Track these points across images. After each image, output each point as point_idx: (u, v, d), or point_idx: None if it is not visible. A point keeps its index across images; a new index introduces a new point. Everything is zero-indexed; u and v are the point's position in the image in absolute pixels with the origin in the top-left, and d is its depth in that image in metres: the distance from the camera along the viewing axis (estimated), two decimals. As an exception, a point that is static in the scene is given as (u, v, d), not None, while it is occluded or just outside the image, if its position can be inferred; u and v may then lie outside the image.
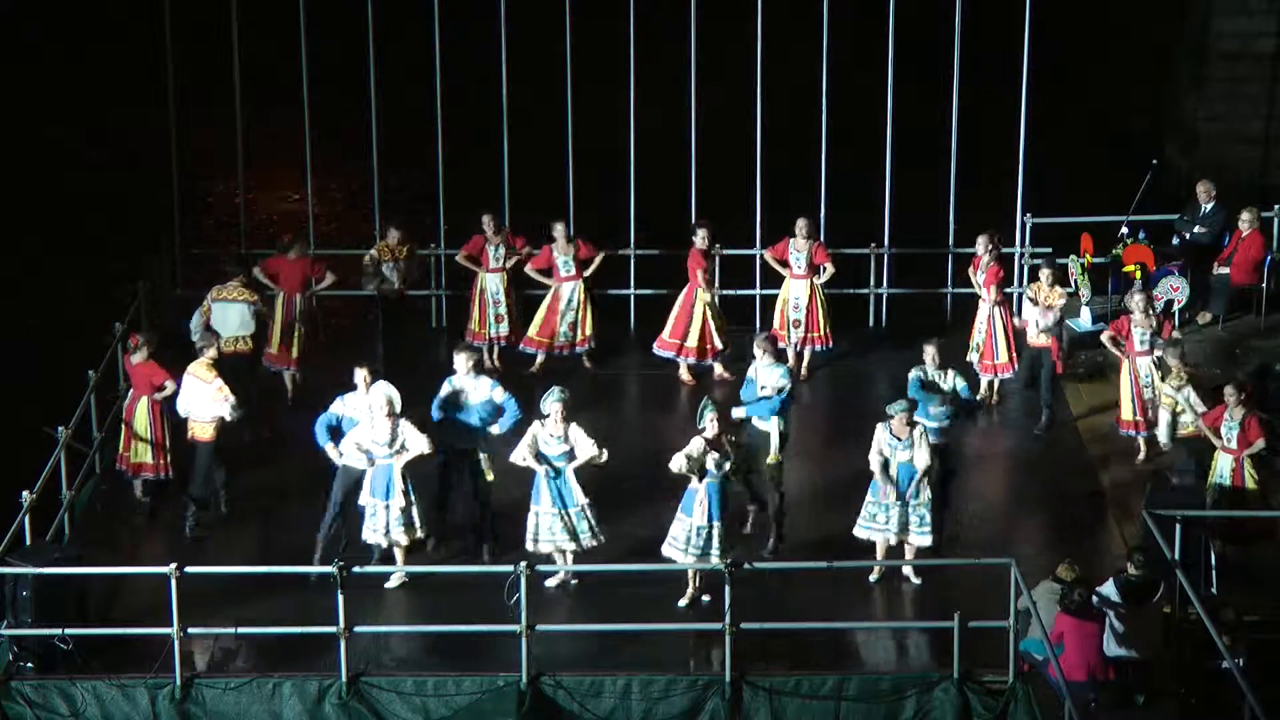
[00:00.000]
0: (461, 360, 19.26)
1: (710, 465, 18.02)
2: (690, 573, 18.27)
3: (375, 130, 24.30)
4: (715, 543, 18.04)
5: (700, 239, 22.53)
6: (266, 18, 25.46)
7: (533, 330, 23.07)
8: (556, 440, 18.39)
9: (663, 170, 24.46)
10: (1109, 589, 17.18)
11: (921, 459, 18.37)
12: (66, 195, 31.70)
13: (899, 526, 18.53)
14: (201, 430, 19.80)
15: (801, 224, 22.67)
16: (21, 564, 17.51)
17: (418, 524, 18.64)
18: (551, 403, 18.40)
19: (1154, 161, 24.15)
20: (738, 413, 19.36)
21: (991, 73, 25.45)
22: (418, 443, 18.50)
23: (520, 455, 18.42)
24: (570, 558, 18.55)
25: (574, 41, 23.83)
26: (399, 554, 18.73)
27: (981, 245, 22.18)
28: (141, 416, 20.12)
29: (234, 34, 24.15)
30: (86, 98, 35.02)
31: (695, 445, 18.05)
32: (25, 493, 18.20)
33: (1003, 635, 17.14)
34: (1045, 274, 21.67)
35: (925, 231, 24.37)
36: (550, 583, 18.55)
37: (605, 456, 18.49)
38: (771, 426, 19.16)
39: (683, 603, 18.33)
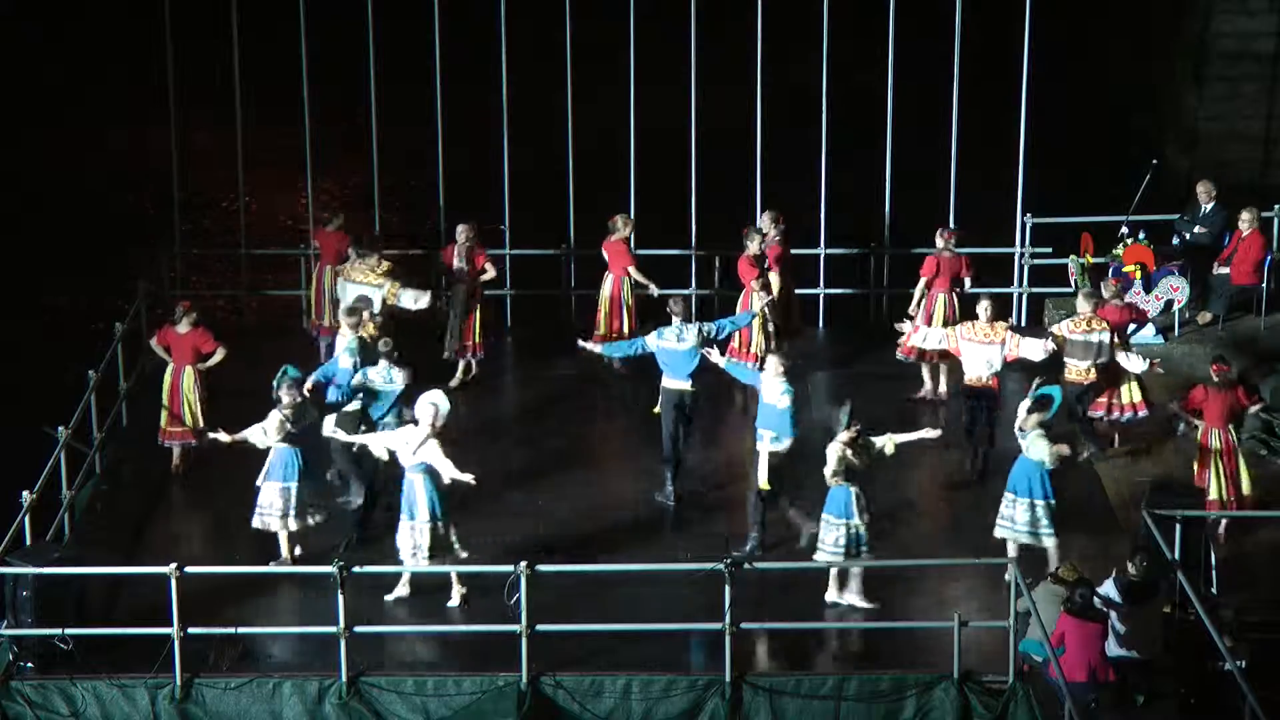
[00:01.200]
0: (342, 316, 20.20)
1: (856, 465, 17.99)
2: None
3: (375, 130, 24.32)
4: (864, 540, 18.03)
5: (756, 245, 22.22)
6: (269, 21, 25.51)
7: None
8: (408, 449, 18.22)
9: (664, 172, 24.50)
10: (1109, 589, 17.19)
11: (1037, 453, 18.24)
12: (67, 195, 31.74)
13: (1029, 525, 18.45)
14: None
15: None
16: (21, 564, 17.50)
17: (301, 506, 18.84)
18: (420, 407, 18.29)
19: (1154, 161, 24.15)
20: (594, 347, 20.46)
21: (992, 72, 25.48)
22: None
23: (372, 438, 18.51)
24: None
25: (575, 42, 23.87)
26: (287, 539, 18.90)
27: (940, 241, 22.31)
28: (189, 384, 20.53)
29: (234, 33, 24.14)
30: (86, 97, 35.05)
31: (838, 449, 17.94)
32: (25, 493, 18.21)
33: (1003, 635, 17.18)
34: (984, 306, 20.17)
35: (925, 231, 24.36)
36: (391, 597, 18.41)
37: (469, 478, 18.13)
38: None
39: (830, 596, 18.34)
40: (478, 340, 22.64)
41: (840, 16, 23.72)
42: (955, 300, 22.20)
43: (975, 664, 17.31)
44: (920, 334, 20.77)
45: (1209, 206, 23.47)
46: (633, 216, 23.80)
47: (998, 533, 18.54)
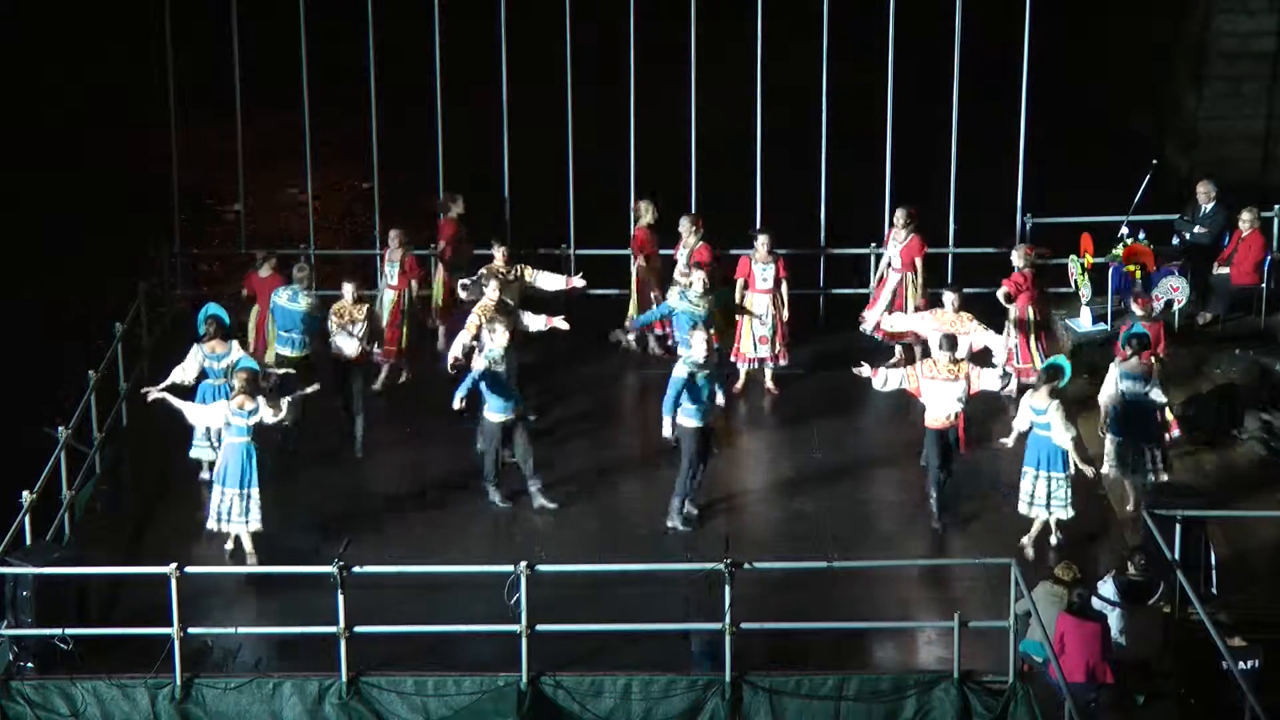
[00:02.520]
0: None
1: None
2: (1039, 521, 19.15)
3: (375, 130, 24.31)
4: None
5: (760, 245, 22.23)
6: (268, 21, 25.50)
7: None
8: (241, 413, 18.75)
9: (666, 172, 24.51)
10: (1108, 589, 17.19)
11: (1064, 437, 18.88)
12: (67, 195, 31.71)
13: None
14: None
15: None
16: (21, 564, 17.51)
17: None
18: (236, 373, 19.02)
19: (1154, 161, 24.15)
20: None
21: (992, 71, 25.47)
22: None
23: (208, 414, 19.08)
24: (247, 540, 18.89)
25: (575, 41, 23.87)
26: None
27: (901, 218, 22.62)
28: (271, 324, 21.39)
29: (234, 32, 24.13)
30: (87, 97, 35.03)
31: (1060, 406, 18.75)
32: (25, 493, 18.20)
33: (1003, 635, 17.18)
34: (950, 298, 20.11)
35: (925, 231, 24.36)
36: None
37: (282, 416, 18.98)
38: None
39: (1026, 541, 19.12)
40: (403, 346, 22.32)
41: (841, 16, 23.74)
42: (919, 282, 22.66)
43: (975, 664, 17.32)
44: (880, 378, 19.62)
45: (1209, 206, 23.47)
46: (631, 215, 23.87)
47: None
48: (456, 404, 19.51)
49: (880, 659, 17.78)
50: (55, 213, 30.99)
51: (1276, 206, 23.84)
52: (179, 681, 17.29)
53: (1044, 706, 16.84)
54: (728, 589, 17.23)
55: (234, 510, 18.81)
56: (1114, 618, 17.05)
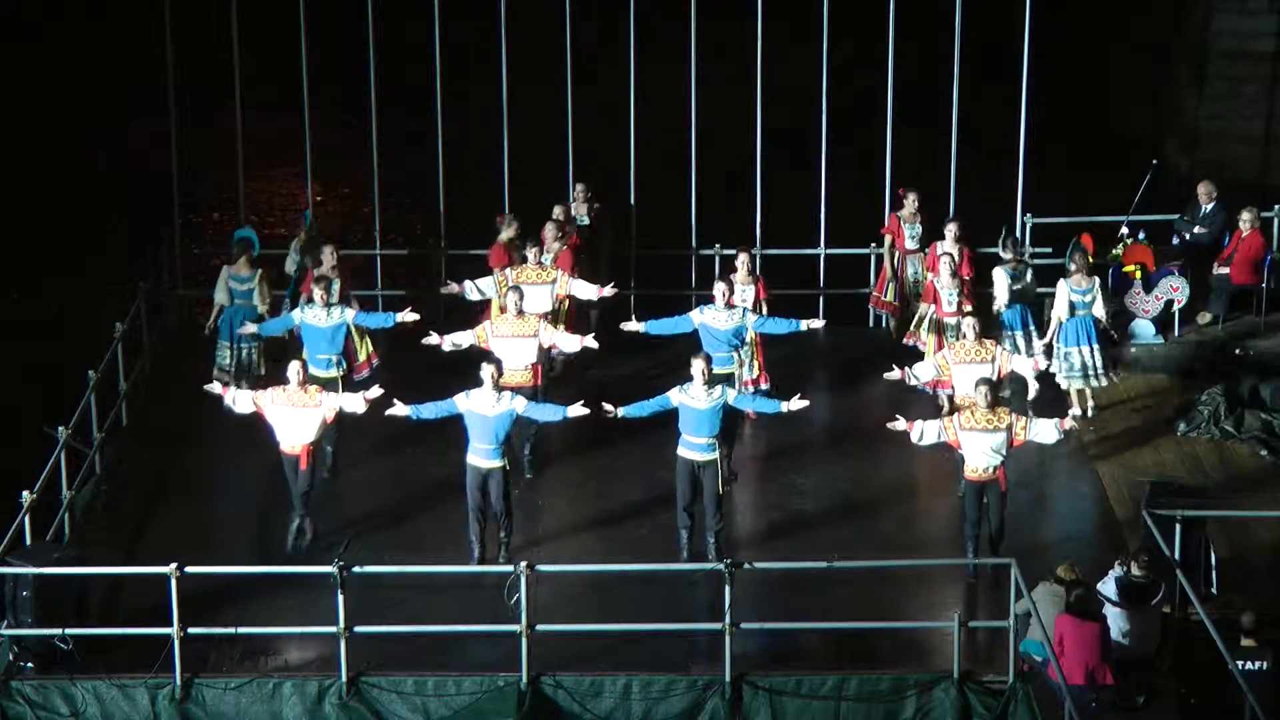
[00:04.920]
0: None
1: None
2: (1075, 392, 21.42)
3: (375, 128, 24.33)
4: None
5: (741, 265, 21.39)
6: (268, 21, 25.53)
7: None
8: (237, 278, 21.37)
9: (663, 173, 24.52)
10: (1109, 588, 17.19)
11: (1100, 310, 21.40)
12: (66, 195, 31.76)
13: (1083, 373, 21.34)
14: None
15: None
16: (21, 564, 17.50)
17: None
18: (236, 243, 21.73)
19: (1154, 161, 24.15)
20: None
21: (992, 72, 25.49)
22: None
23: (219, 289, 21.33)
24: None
25: (573, 40, 23.89)
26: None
27: (912, 203, 23.09)
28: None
29: (234, 32, 24.14)
30: (86, 97, 35.08)
31: (1098, 279, 21.59)
32: (25, 493, 18.20)
33: (1003, 635, 17.19)
34: (982, 391, 18.24)
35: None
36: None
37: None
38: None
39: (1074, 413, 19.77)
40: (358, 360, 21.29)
41: (840, 16, 23.75)
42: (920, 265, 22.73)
43: (975, 664, 17.33)
44: (916, 431, 18.39)
45: (1209, 206, 23.48)
46: (633, 219, 23.88)
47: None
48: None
49: (880, 659, 17.75)
50: (55, 213, 31.07)
51: (1276, 206, 23.85)
52: (179, 681, 17.29)
53: (1044, 706, 16.84)
54: (728, 589, 17.23)
55: (237, 362, 21.16)
56: (1114, 617, 17.06)
